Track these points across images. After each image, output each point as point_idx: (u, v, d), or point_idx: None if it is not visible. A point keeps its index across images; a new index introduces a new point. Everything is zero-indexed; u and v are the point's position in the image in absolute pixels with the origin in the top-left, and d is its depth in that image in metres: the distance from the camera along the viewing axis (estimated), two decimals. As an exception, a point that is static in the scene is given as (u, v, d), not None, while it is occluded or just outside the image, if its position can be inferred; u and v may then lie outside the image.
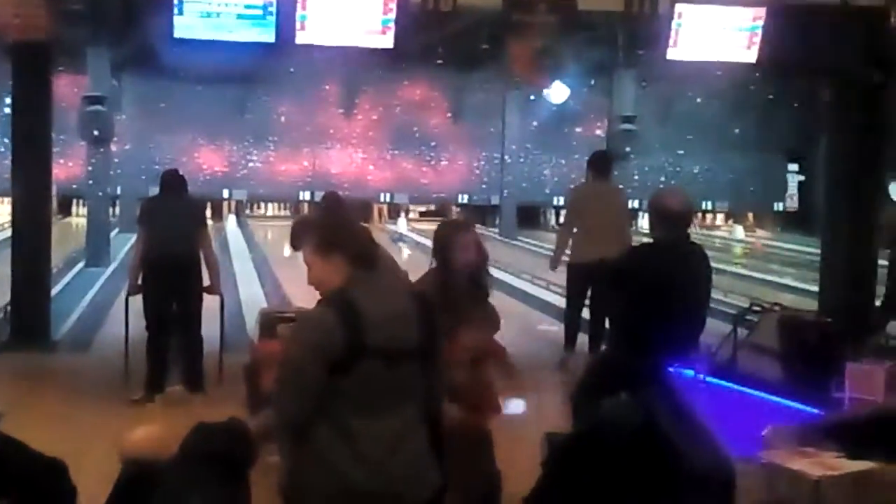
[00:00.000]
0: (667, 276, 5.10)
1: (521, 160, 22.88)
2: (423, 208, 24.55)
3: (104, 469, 3.97)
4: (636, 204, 19.93)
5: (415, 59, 13.05)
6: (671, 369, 5.09)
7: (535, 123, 22.68)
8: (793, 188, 24.65)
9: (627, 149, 14.52)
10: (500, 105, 22.00)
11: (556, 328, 10.48)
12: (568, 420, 5.62)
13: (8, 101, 19.47)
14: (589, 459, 4.30)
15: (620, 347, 5.30)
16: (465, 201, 23.60)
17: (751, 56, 9.60)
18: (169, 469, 3.17)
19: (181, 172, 7.97)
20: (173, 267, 7.45)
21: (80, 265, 14.42)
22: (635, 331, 5.19)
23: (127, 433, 3.55)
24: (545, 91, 15.82)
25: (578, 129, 22.89)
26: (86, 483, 4.04)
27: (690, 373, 5.32)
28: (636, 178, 19.29)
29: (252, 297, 11.70)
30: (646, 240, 5.61)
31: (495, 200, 22.80)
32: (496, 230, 22.00)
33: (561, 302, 10.10)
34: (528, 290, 13.34)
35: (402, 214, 23.84)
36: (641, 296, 5.19)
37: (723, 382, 5.62)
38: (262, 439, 3.33)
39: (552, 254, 9.53)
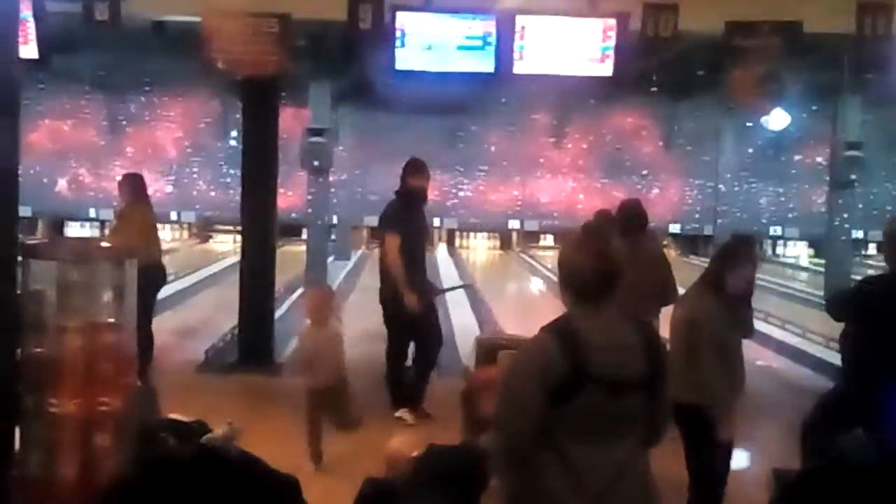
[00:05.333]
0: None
1: (736, 189, 22.32)
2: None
3: (327, 487, 4.08)
4: (860, 234, 19.09)
5: (631, 86, 12.92)
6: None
7: (750, 151, 22.11)
8: None
9: (853, 176, 13.92)
10: (714, 132, 21.56)
11: (777, 364, 10.13)
12: (796, 457, 5.39)
13: (234, 133, 20.46)
14: (821, 499, 4.09)
15: (855, 381, 5.05)
16: (678, 231, 23.16)
17: None
18: (405, 488, 3.21)
19: None
20: None
21: (300, 291, 14.93)
22: (869, 365, 4.96)
23: (386, 443, 3.65)
24: (763, 117, 15.35)
25: (797, 157, 22.17)
26: (310, 500, 4.16)
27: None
28: (860, 207, 18.41)
29: (464, 324, 11.80)
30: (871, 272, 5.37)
31: (708, 230, 22.28)
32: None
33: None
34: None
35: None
36: (871, 329, 4.99)
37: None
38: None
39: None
